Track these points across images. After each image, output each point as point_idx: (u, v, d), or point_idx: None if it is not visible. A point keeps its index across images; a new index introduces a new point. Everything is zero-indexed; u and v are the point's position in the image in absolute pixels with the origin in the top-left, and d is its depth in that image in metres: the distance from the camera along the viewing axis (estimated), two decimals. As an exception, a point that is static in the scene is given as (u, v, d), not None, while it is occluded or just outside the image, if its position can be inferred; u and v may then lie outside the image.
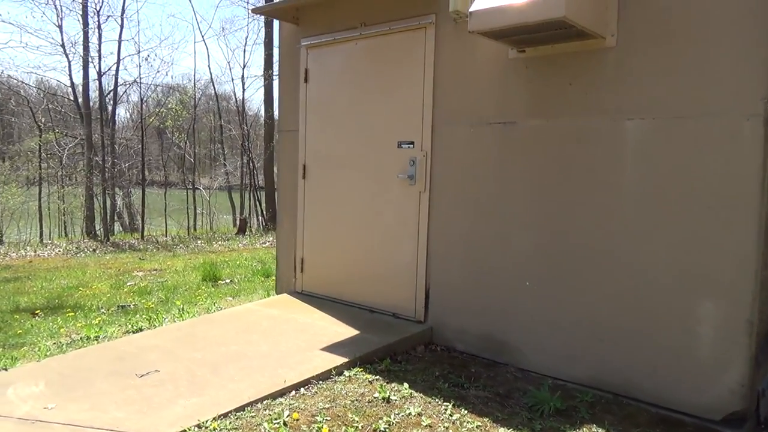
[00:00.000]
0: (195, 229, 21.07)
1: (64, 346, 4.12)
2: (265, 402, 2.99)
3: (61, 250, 13.73)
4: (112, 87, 20.55)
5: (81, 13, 19.32)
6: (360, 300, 4.64)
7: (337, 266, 4.83)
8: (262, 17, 21.10)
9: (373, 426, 2.77)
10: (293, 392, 3.14)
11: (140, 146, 21.51)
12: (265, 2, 19.86)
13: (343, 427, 2.74)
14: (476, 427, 2.80)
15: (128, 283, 7.15)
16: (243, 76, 22.40)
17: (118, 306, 5.63)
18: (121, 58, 19.97)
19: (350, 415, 2.86)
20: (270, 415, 2.84)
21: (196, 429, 2.66)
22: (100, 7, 19.73)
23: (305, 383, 3.24)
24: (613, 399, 3.20)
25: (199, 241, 14.72)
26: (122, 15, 20.10)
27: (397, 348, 3.85)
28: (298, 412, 2.87)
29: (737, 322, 2.87)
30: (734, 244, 2.88)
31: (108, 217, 18.92)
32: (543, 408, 3.00)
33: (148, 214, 19.24)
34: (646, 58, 3.14)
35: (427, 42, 4.08)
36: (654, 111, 3.12)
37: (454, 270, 4.00)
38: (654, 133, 3.12)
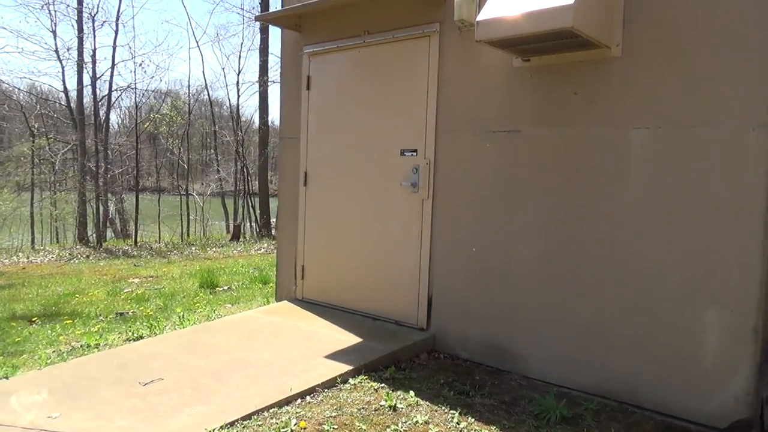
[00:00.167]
0: (188, 236, 20.97)
1: (64, 354, 4.08)
2: (271, 410, 2.98)
3: (54, 256, 13.62)
4: (106, 92, 20.48)
5: (76, 18, 19.28)
6: (362, 307, 4.63)
7: (339, 274, 4.82)
8: (257, 23, 21.13)
9: (382, 434, 2.76)
10: (299, 400, 3.12)
11: (132, 152, 21.41)
12: (261, 9, 19.91)
13: (352, 436, 2.74)
14: (484, 435, 2.80)
15: (125, 290, 7.09)
16: (238, 82, 22.39)
17: (116, 313, 5.58)
18: (115, 63, 19.93)
19: (357, 424, 2.85)
20: (277, 423, 2.83)
21: (204, 438, 2.64)
22: (96, 12, 19.68)
23: (311, 391, 3.23)
24: (617, 407, 3.21)
25: (193, 248, 14.65)
26: (117, 20, 20.08)
27: (401, 355, 3.85)
28: (305, 421, 2.86)
29: (742, 330, 2.89)
30: (739, 253, 2.90)
31: (101, 224, 18.80)
32: (549, 416, 3.01)
33: (141, 220, 19.13)
34: (651, 68, 3.17)
35: (431, 50, 4.10)
36: (659, 120, 3.15)
37: (458, 278, 4.01)
38: (659, 142, 3.15)
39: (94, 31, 19.34)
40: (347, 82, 4.74)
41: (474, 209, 3.92)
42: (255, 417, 2.89)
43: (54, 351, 4.20)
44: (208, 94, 22.96)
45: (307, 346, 3.91)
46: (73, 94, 20.16)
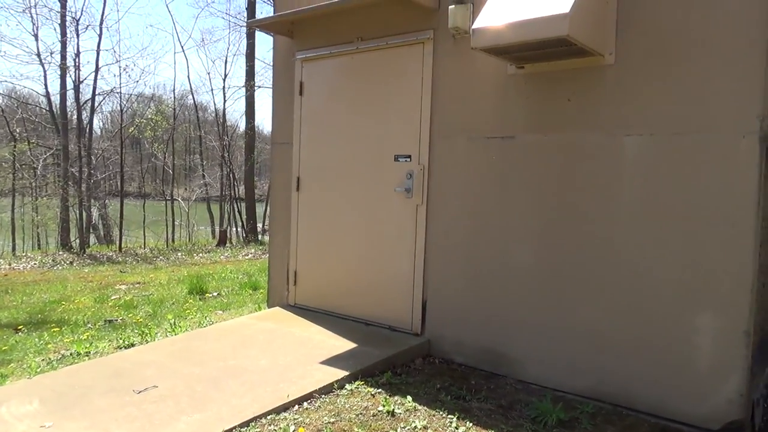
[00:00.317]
0: (173, 241, 20.78)
1: (54, 363, 4.02)
2: (269, 417, 2.96)
3: (37, 263, 13.42)
4: (90, 97, 20.25)
5: (59, 22, 19.06)
6: (355, 313, 4.63)
7: (332, 279, 4.82)
8: (243, 28, 21.09)
9: (381, 440, 2.76)
10: (296, 406, 3.11)
11: (115, 156, 21.21)
12: (248, 15, 19.86)
13: (351, 442, 2.73)
14: (483, 439, 2.82)
15: (112, 297, 7.01)
16: (224, 87, 22.25)
17: (105, 320, 5.51)
18: (99, 67, 19.72)
19: (356, 429, 2.85)
20: (276, 430, 2.82)
21: (203, 446, 2.62)
22: (79, 16, 19.48)
23: (308, 397, 3.22)
24: (612, 410, 3.25)
25: (179, 253, 14.53)
26: (101, 24, 19.90)
27: (396, 361, 3.85)
28: (303, 427, 2.85)
29: (735, 334, 2.94)
30: (732, 258, 2.96)
31: (84, 229, 18.54)
32: (546, 419, 3.03)
33: (125, 225, 18.91)
34: (643, 76, 3.22)
35: (425, 57, 4.13)
36: (652, 127, 3.20)
37: (452, 283, 4.03)
38: (652, 149, 3.20)
39: (77, 34, 19.14)
40: (340, 88, 4.75)
41: (468, 215, 3.94)
42: (253, 424, 2.87)
43: (43, 359, 4.14)
44: (194, 99, 22.86)
45: (302, 352, 3.90)
46: (55, 99, 19.91)
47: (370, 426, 2.89)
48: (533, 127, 3.64)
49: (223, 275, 8.73)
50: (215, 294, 6.96)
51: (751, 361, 2.98)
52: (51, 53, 20.06)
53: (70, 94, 19.58)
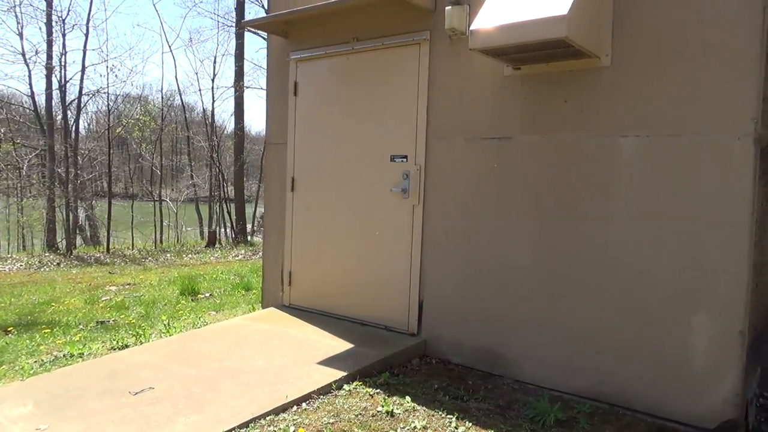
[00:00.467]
0: (161, 242, 20.62)
1: (47, 364, 3.97)
2: (268, 418, 2.95)
3: (23, 264, 13.26)
4: (76, 96, 20.06)
5: (45, 21, 18.87)
6: (351, 313, 4.62)
7: (328, 280, 4.81)
8: (232, 28, 20.98)
9: (381, 440, 2.76)
10: (295, 407, 3.10)
11: (102, 157, 21.00)
12: (237, 15, 19.78)
13: (351, 442, 2.73)
14: (482, 439, 2.82)
15: (103, 298, 6.94)
16: (213, 87, 22.11)
17: (96, 322, 5.45)
18: (85, 67, 19.55)
19: (356, 430, 2.84)
20: (275, 431, 2.81)
21: (203, 447, 2.60)
22: (66, 15, 19.29)
23: (306, 398, 3.21)
24: (609, 409, 3.27)
25: (168, 255, 14.42)
26: (87, 24, 19.75)
27: (393, 361, 3.85)
28: (303, 428, 2.84)
29: (731, 334, 2.98)
30: (727, 258, 2.99)
31: (70, 231, 18.35)
32: (544, 419, 3.04)
33: (112, 227, 18.74)
34: (639, 78, 3.25)
35: (421, 58, 4.14)
36: (648, 128, 3.23)
37: (449, 283, 4.04)
38: (648, 150, 3.23)
39: (63, 34, 18.97)
40: (336, 88, 4.74)
41: (465, 215, 3.96)
42: (252, 425, 2.86)
43: (36, 361, 4.09)
44: (181, 99, 22.69)
45: (298, 353, 3.88)
46: (40, 99, 19.67)
47: (370, 426, 2.89)
48: (530, 128, 3.66)
49: (215, 276, 8.68)
50: (207, 295, 6.92)
51: (745, 361, 3.02)
52: (36, 52, 19.85)
53: (56, 94, 19.39)
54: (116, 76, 32.38)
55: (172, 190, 26.87)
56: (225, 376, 3.48)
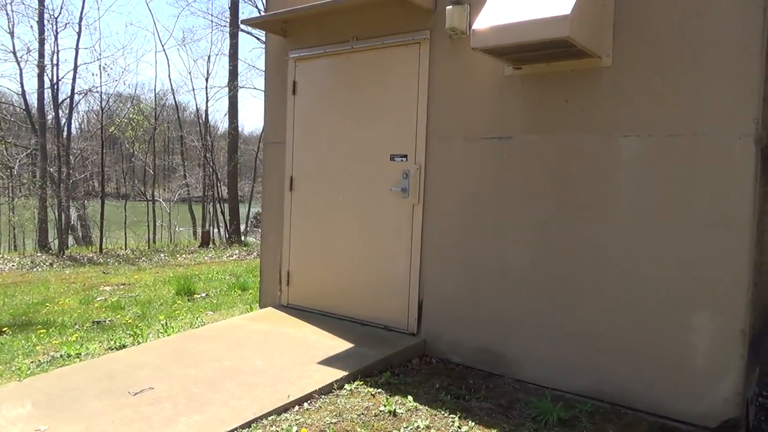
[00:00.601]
0: (154, 242, 20.51)
1: (44, 365, 3.93)
2: (270, 418, 2.93)
3: (15, 264, 13.15)
4: (68, 95, 19.92)
5: (37, 19, 18.72)
6: (350, 313, 4.61)
7: (326, 279, 4.79)
8: (225, 28, 20.90)
9: (384, 440, 2.75)
10: (297, 407, 3.09)
11: (94, 156, 20.86)
12: (231, 15, 19.72)
13: (355, 442, 2.72)
14: (485, 438, 2.82)
15: (98, 298, 6.89)
16: (207, 87, 22.02)
17: (92, 322, 5.41)
18: (77, 66, 19.41)
19: (359, 430, 2.83)
20: (278, 431, 2.79)
21: (206, 447, 2.58)
22: (58, 14, 19.16)
23: (308, 398, 3.19)
24: (611, 408, 3.28)
25: (162, 255, 14.34)
26: (80, 22, 19.62)
27: (393, 361, 3.84)
28: (306, 428, 2.83)
29: (732, 333, 2.99)
30: (728, 258, 3.00)
31: (63, 230, 18.21)
32: (547, 418, 3.04)
33: (105, 226, 18.61)
34: (640, 78, 3.26)
35: (421, 57, 4.13)
36: (648, 128, 3.24)
37: (449, 283, 4.04)
38: (649, 150, 3.24)
39: (56, 33, 18.84)
40: (335, 88, 4.73)
41: (465, 215, 3.95)
42: (254, 425, 2.84)
43: (32, 361, 4.05)
44: (174, 99, 22.58)
45: (298, 353, 3.87)
46: (31, 98, 19.53)
47: (373, 426, 2.88)
48: (531, 127, 3.66)
49: (210, 276, 8.64)
50: (203, 295, 6.88)
51: (746, 360, 3.03)
52: (28, 51, 19.70)
53: (47, 93, 19.23)
54: (108, 75, 32.14)
55: (164, 189, 26.73)
56: (225, 376, 3.46)
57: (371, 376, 3.54)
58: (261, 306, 5.30)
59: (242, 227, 20.18)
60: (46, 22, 18.76)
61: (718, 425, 3.03)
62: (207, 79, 22.19)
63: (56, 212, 18.20)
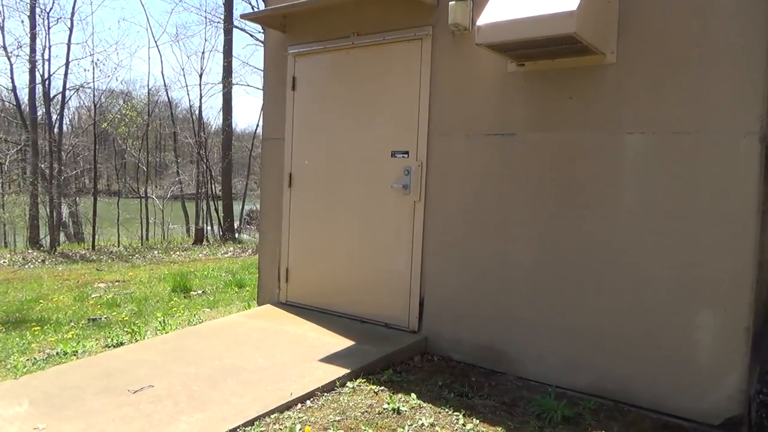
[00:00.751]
0: (147, 239, 20.38)
1: (41, 363, 3.88)
2: (273, 416, 2.90)
3: (6, 261, 13.02)
4: (60, 91, 19.72)
5: (28, 14, 18.52)
6: (350, 310, 4.58)
7: (326, 277, 4.76)
8: (219, 24, 20.76)
9: (389, 438, 2.73)
10: (299, 405, 3.06)
11: (86, 153, 20.67)
12: (225, 11, 19.59)
13: (359, 440, 2.70)
14: (490, 436, 2.81)
15: (92, 295, 6.82)
16: (201, 83, 21.90)
17: (88, 319, 5.36)
18: (69, 61, 19.23)
19: (363, 428, 2.81)
20: (281, 429, 2.76)
21: (209, 446, 2.55)
22: (50, 9, 18.97)
23: (310, 395, 3.16)
24: (614, 406, 3.27)
25: (155, 252, 14.25)
26: (72, 17, 19.44)
27: (395, 358, 3.82)
28: (309, 426, 2.80)
29: (736, 331, 2.99)
30: (732, 255, 3.00)
31: (54, 227, 18.04)
32: (551, 416, 3.03)
33: (97, 223, 18.47)
34: (645, 75, 3.25)
35: (423, 53, 4.10)
36: (653, 126, 3.23)
37: (451, 280, 4.02)
38: (653, 148, 3.23)
39: (48, 28, 18.67)
40: (335, 84, 4.69)
41: (467, 212, 3.93)
42: (258, 423, 2.81)
43: (28, 359, 3.99)
44: (167, 95, 22.42)
45: (298, 350, 3.84)
46: (22, 93, 19.33)
47: (377, 424, 2.86)
48: (534, 125, 3.65)
49: (206, 273, 8.58)
50: (200, 292, 6.83)
51: (749, 357, 3.03)
52: (19, 46, 19.50)
53: (39, 88, 19.04)
54: (101, 71, 31.86)
55: (156, 186, 26.54)
56: (226, 374, 3.42)
57: (373, 373, 3.52)
58: (259, 303, 5.26)
59: (236, 224, 20.09)
60: (37, 16, 18.60)
61: (722, 423, 3.03)
62: (201, 76, 22.06)
63: (48, 209, 18.03)
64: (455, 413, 3.02)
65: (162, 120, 26.94)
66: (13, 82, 19.42)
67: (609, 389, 3.35)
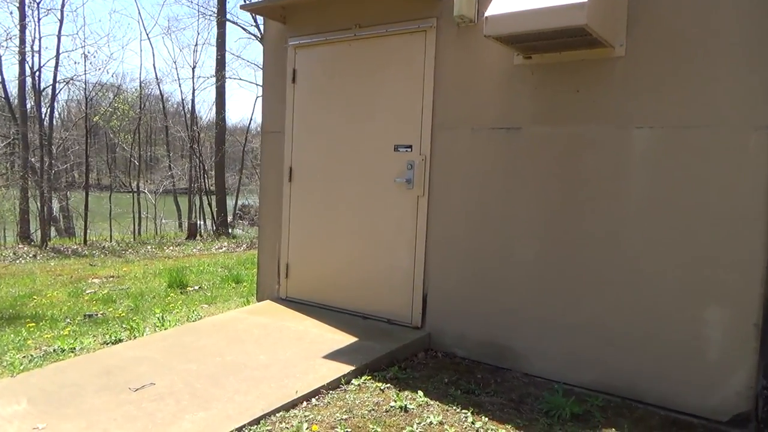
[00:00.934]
0: (140, 234, 20.21)
1: (38, 360, 3.80)
2: (278, 414, 2.85)
3: (-3, 256, 12.83)
4: (50, 84, 19.45)
5: (18, 5, 18.22)
6: (351, 306, 4.53)
7: (326, 272, 4.71)
8: (212, 17, 20.56)
9: (398, 436, 2.69)
10: (305, 403, 3.01)
11: (76, 147, 20.43)
12: (218, 4, 19.40)
13: (368, 439, 2.65)
14: (500, 434, 2.77)
15: (87, 291, 6.72)
16: (193, 76, 21.63)
17: (84, 315, 5.27)
18: (60, 53, 18.95)
19: (371, 426, 2.76)
20: (288, 428, 2.71)
21: (215, 446, 2.49)
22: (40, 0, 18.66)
23: (315, 393, 3.12)
24: (621, 402, 3.24)
25: (148, 246, 14.11)
26: (62, 9, 19.17)
27: (399, 355, 3.78)
28: (316, 424, 2.76)
29: (745, 327, 2.97)
30: (741, 251, 2.97)
31: (45, 222, 17.82)
32: (560, 413, 3.00)
33: (89, 218, 18.26)
34: (654, 68, 3.21)
35: (427, 46, 4.05)
36: (662, 120, 3.19)
37: (454, 275, 3.97)
38: (662, 142, 3.19)
39: (38, 19, 18.38)
40: (336, 76, 4.62)
41: (471, 206, 3.89)
42: (263, 422, 2.76)
43: (25, 356, 3.91)
44: (159, 88, 22.19)
45: (301, 347, 3.78)
46: (10, 86, 19.06)
47: (385, 422, 2.81)
48: (540, 118, 3.60)
49: (201, 268, 8.49)
50: (197, 287, 6.75)
51: (759, 353, 3.01)
52: (8, 37, 19.17)
53: (28, 81, 18.77)
54: (92, 63, 31.45)
55: (147, 181, 26.30)
56: (228, 371, 3.37)
57: (378, 370, 3.47)
58: (258, 299, 5.20)
59: (229, 219, 19.96)
60: (27, 7, 18.28)
61: (730, 419, 3.01)
62: (194, 69, 21.85)
63: (38, 203, 17.79)
64: (463, 411, 2.98)
65: (153, 114, 26.67)
66: (2, 74, 19.10)
67: (616, 386, 3.32)
